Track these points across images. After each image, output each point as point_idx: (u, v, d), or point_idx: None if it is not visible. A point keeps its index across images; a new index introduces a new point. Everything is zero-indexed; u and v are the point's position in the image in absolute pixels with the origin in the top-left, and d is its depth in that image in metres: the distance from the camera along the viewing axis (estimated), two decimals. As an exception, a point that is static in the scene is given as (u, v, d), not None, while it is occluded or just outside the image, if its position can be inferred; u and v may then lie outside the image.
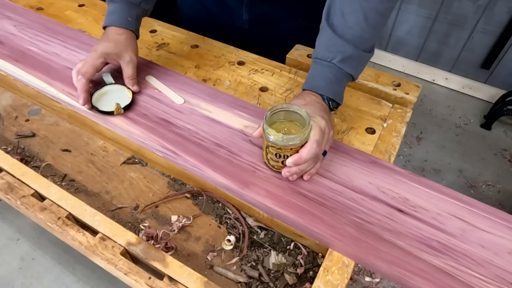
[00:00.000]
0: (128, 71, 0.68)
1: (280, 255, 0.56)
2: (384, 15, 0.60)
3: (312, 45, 0.65)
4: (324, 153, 0.58)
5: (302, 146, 0.53)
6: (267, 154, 0.56)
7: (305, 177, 0.57)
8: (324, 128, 0.55)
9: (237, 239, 0.58)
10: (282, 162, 0.55)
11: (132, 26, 0.71)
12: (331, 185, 0.57)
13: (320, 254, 0.57)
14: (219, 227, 0.60)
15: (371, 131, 0.70)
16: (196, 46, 0.88)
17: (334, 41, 0.60)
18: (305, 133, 0.52)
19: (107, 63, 0.68)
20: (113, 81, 0.71)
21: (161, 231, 0.58)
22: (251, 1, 0.83)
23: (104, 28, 0.71)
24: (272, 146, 0.53)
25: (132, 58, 0.68)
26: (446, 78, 2.10)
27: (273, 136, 0.52)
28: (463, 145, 1.82)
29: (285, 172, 0.55)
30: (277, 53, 0.85)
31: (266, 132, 0.53)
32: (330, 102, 0.62)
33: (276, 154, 0.54)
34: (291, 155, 0.53)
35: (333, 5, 0.60)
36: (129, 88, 0.69)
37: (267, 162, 0.58)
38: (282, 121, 0.57)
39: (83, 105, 0.65)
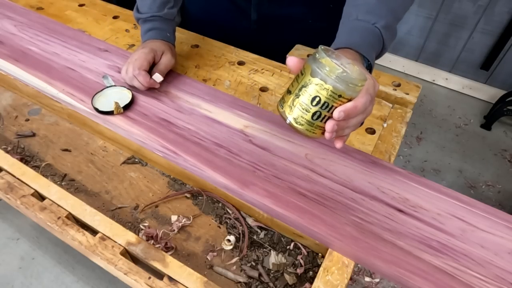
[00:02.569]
0: (161, 65, 0.70)
1: (280, 255, 0.56)
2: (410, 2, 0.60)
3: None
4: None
5: (349, 101, 0.42)
6: (297, 97, 0.42)
7: (338, 144, 0.46)
8: (377, 89, 0.47)
9: (237, 239, 0.58)
10: (313, 116, 0.42)
11: (172, 40, 0.76)
12: (331, 185, 0.57)
13: (320, 254, 0.57)
14: (219, 227, 0.60)
15: (371, 131, 0.70)
16: (196, 46, 0.88)
17: (379, 5, 0.55)
18: (363, 85, 0.41)
19: (154, 60, 0.70)
20: (113, 83, 0.71)
21: (161, 231, 0.58)
22: (260, 1, 0.83)
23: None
24: (316, 84, 0.40)
25: (172, 59, 0.71)
26: (446, 79, 2.10)
27: (330, 68, 0.39)
28: (463, 146, 1.82)
29: (332, 125, 0.43)
30: (285, 54, 0.85)
31: (320, 61, 0.40)
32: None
33: (314, 99, 0.41)
34: (331, 107, 0.41)
35: None
36: (129, 89, 0.69)
37: (288, 110, 0.44)
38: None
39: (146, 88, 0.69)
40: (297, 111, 0.43)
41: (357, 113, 0.44)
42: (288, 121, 0.44)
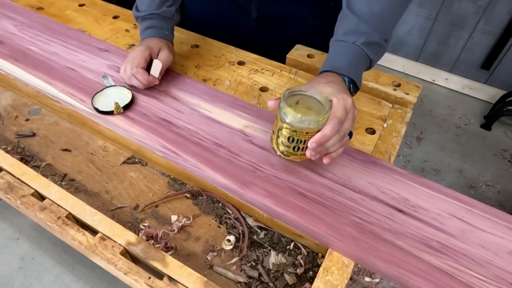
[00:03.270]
0: (159, 61, 0.68)
1: (280, 255, 0.56)
2: (402, 8, 0.61)
3: (321, 45, 0.64)
4: (350, 134, 0.55)
5: (318, 131, 0.50)
6: (278, 137, 0.52)
7: (325, 160, 0.53)
8: (349, 107, 0.52)
9: (237, 239, 0.58)
10: (294, 148, 0.52)
11: (170, 38, 0.75)
12: (331, 185, 0.57)
13: (320, 254, 0.57)
14: (219, 227, 0.60)
15: (371, 131, 0.70)
16: (196, 46, 0.88)
17: (359, 26, 0.59)
18: (324, 117, 0.49)
19: (151, 58, 0.69)
20: (113, 83, 0.71)
21: (161, 231, 0.58)
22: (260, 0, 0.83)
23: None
24: (286, 128, 0.49)
25: (170, 55, 0.70)
26: (446, 79, 2.10)
27: (291, 115, 0.48)
28: (463, 146, 1.82)
29: (310, 152, 0.51)
30: (285, 53, 0.85)
31: (283, 111, 0.49)
32: (351, 86, 0.59)
33: (289, 138, 0.50)
34: (304, 140, 0.50)
35: None
36: (129, 89, 0.69)
37: (276, 147, 0.54)
38: (297, 106, 0.53)
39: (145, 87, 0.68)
40: (281, 147, 0.53)
41: (329, 138, 0.50)
42: (278, 154, 0.55)
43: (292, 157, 0.54)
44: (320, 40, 0.64)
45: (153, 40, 0.71)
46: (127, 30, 0.93)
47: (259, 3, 0.84)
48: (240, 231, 0.58)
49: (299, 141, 0.50)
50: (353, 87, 0.60)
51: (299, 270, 0.55)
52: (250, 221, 0.60)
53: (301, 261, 0.56)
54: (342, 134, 0.52)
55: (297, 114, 0.48)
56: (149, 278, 0.48)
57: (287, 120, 0.49)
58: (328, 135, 0.50)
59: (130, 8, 1.01)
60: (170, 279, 0.48)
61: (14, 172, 0.60)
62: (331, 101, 0.51)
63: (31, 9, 0.95)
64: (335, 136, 0.51)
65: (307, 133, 0.49)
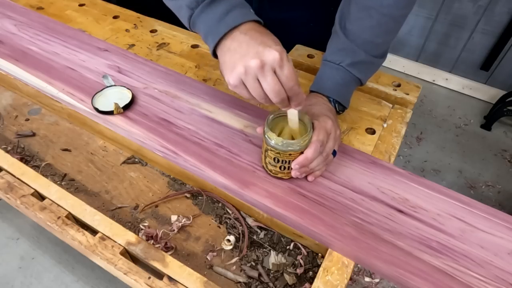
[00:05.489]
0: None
1: (279, 255, 0.56)
2: (398, 22, 0.60)
3: (323, 49, 0.65)
4: (334, 153, 0.57)
5: (301, 152, 0.53)
6: (265, 157, 0.55)
7: (309, 178, 0.57)
8: (329, 129, 0.55)
9: (237, 239, 0.58)
10: (280, 168, 0.55)
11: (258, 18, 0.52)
12: (331, 185, 0.57)
13: (319, 254, 0.57)
14: (219, 227, 0.60)
15: (371, 131, 0.70)
16: (196, 46, 0.88)
17: (345, 45, 0.60)
18: (305, 140, 0.52)
19: None
20: (113, 83, 0.71)
21: (161, 231, 0.58)
22: (260, 5, 0.83)
23: (231, 29, 0.51)
24: (271, 150, 0.53)
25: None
26: (446, 79, 2.10)
27: (274, 140, 0.52)
28: (463, 146, 1.82)
29: (294, 173, 0.54)
30: None
31: (267, 135, 0.52)
32: (336, 105, 0.62)
33: (274, 159, 0.54)
34: (289, 161, 0.53)
35: (347, 9, 0.60)
36: (129, 89, 0.69)
37: (265, 166, 0.57)
38: (284, 125, 0.56)
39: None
40: (270, 166, 0.56)
41: (311, 161, 0.53)
42: (268, 172, 0.57)
43: (280, 175, 0.57)
44: (322, 44, 0.64)
45: (264, 30, 0.49)
46: (127, 30, 0.93)
47: (259, 9, 0.83)
48: (240, 231, 0.58)
49: (284, 161, 0.54)
50: (339, 106, 0.62)
51: (299, 270, 0.55)
52: (250, 221, 0.60)
53: (301, 261, 0.56)
54: (325, 154, 0.55)
55: (279, 138, 0.52)
56: (149, 278, 0.48)
57: (271, 144, 0.52)
58: (310, 158, 0.52)
59: (130, 8, 1.01)
60: (170, 279, 0.48)
61: (14, 172, 0.60)
62: (313, 123, 0.54)
63: (31, 8, 0.95)
64: (319, 157, 0.54)
65: (290, 154, 0.53)
